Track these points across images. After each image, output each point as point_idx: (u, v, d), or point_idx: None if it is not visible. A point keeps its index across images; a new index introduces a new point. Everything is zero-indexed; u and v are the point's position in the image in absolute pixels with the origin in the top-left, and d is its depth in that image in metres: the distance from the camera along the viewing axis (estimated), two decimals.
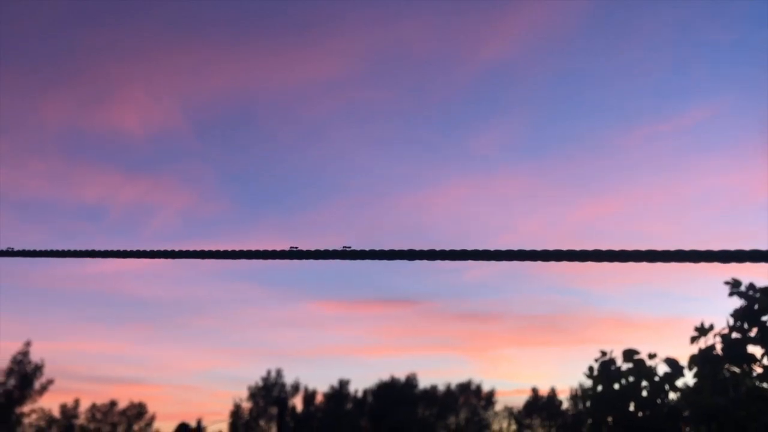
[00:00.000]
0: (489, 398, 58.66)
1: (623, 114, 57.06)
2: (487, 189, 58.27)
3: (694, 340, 6.59)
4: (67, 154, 55.93)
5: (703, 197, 55.47)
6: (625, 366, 7.13)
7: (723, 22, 50.43)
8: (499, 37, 51.16)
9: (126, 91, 51.28)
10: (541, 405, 58.38)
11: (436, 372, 72.97)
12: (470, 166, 59.38)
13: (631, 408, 6.97)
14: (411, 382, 57.59)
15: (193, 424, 52.13)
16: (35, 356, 37.87)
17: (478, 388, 58.67)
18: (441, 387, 58.20)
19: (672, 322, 59.26)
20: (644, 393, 6.96)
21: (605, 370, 7.07)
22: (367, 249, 1.48)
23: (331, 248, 1.59)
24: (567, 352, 70.04)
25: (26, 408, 37.92)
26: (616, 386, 7.10)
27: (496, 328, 67.51)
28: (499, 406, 58.95)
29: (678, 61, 53.90)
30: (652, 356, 6.94)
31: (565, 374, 71.33)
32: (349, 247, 1.42)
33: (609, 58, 55.26)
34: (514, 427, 58.67)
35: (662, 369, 6.93)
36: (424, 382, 60.06)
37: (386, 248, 1.58)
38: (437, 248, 1.65)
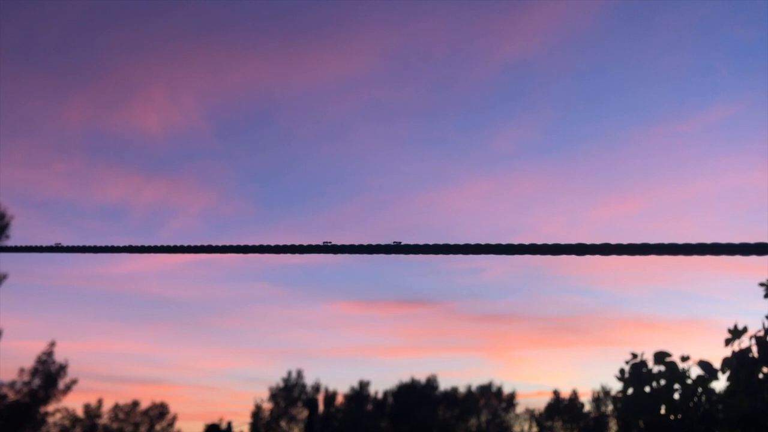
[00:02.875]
0: (510, 400, 58.31)
1: (644, 112, 56.35)
2: (507, 188, 57.91)
3: (728, 342, 6.44)
4: (87, 155, 56.44)
5: (725, 196, 54.61)
6: (656, 368, 7.00)
7: (745, 19, 49.61)
8: (519, 35, 50.81)
9: (146, 92, 51.65)
10: (562, 407, 57.91)
11: (457, 373, 72.69)
12: (490, 165, 59.02)
13: (663, 411, 6.84)
14: (431, 383, 57.42)
15: (214, 424, 52.36)
16: (59, 356, 38.23)
17: (499, 390, 58.36)
18: (462, 388, 58.01)
19: (694, 323, 58.51)
20: (676, 396, 6.82)
21: (636, 373, 6.94)
22: (413, 244, 1.41)
23: (375, 243, 1.52)
24: (588, 354, 69.44)
25: (51, 407, 38.28)
26: (647, 389, 6.97)
27: (516, 330, 67.09)
28: (520, 408, 58.60)
29: (700, 59, 53.13)
30: (684, 358, 6.80)
31: (586, 376, 70.67)
32: (400, 242, 1.36)
33: (630, 56, 54.66)
34: (535, 429, 58.27)
35: (695, 371, 6.79)
36: (444, 384, 59.82)
37: (431, 243, 1.51)
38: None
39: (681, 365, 6.85)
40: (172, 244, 1.79)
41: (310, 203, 62.53)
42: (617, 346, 60.64)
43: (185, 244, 1.78)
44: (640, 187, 55.69)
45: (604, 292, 65.60)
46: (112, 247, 1.80)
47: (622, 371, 7.06)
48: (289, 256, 1.75)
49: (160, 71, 51.81)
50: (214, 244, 1.81)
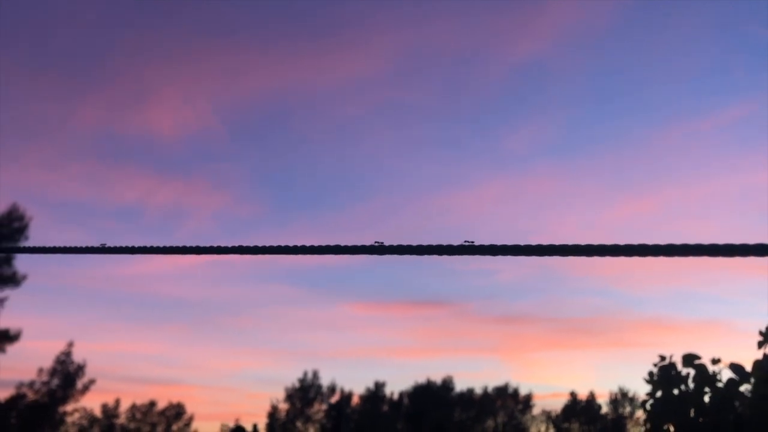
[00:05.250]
0: (526, 402, 58.01)
1: (660, 111, 55.94)
2: (520, 189, 57.70)
3: (761, 344, 6.29)
4: (102, 157, 56.91)
5: (742, 195, 53.99)
6: (685, 371, 6.85)
7: (762, 16, 49.05)
8: (532, 34, 50.62)
9: (160, 95, 52.01)
10: (579, 409, 57.51)
11: (473, 374, 72.53)
12: (503, 166, 58.85)
13: (692, 415, 6.69)
14: (447, 384, 57.24)
15: (230, 424, 52.52)
16: (77, 356, 38.54)
17: (516, 392, 58.06)
18: (478, 390, 57.77)
19: (713, 325, 57.99)
20: (706, 399, 6.67)
21: (665, 375, 6.80)
22: (492, 244, 1.33)
23: (439, 243, 1.44)
24: (605, 356, 68.94)
25: (69, 407, 38.64)
26: (675, 392, 6.82)
27: (531, 331, 66.79)
28: (536, 410, 58.28)
29: (716, 57, 52.68)
30: (715, 361, 6.65)
31: (603, 378, 70.15)
32: (472, 242, 1.27)
33: (644, 56, 54.30)
34: (552, 431, 57.91)
35: (725, 374, 6.64)
36: (460, 385, 59.66)
37: (508, 243, 1.42)
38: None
39: (711, 368, 6.71)
40: (214, 245, 1.73)
41: (323, 205, 62.67)
42: (634, 347, 60.18)
43: (225, 245, 1.72)
44: (656, 187, 55.26)
45: (621, 293, 65.18)
46: (138, 247, 1.74)
47: (651, 374, 6.93)
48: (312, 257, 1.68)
49: (173, 73, 52.19)
50: (253, 245, 1.74)
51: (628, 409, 56.60)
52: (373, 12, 49.82)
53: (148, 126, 53.23)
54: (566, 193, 58.73)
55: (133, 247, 1.59)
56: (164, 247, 1.72)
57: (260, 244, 1.59)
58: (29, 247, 1.79)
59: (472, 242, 1.26)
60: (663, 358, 7.01)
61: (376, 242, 1.43)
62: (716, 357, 6.66)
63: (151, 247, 1.71)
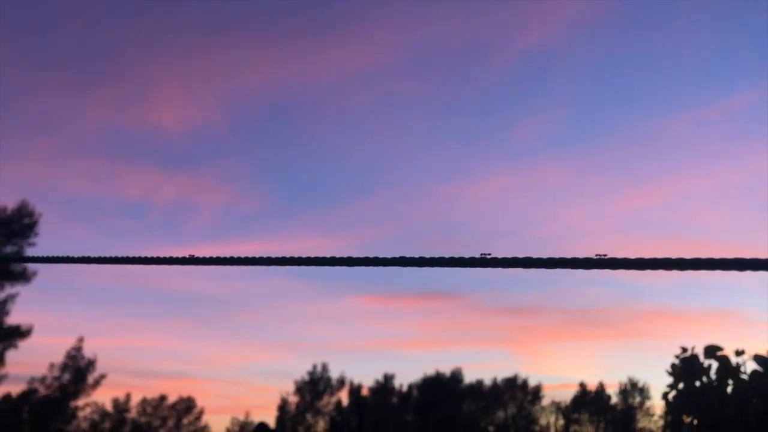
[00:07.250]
0: (536, 393, 57.93)
1: (667, 101, 55.51)
2: (527, 179, 57.47)
3: None
4: (107, 152, 56.91)
5: (751, 184, 53.57)
6: (707, 362, 6.77)
7: (767, 5, 48.57)
8: (536, 25, 50.30)
9: (164, 90, 51.94)
10: (589, 400, 57.43)
11: (482, 366, 72.41)
12: (511, 157, 58.60)
13: (715, 407, 6.62)
14: (456, 376, 57.24)
15: (241, 417, 52.65)
16: (88, 351, 38.69)
17: (525, 383, 57.99)
18: (487, 381, 57.74)
19: (724, 315, 57.72)
20: (729, 391, 6.59)
21: (687, 367, 6.72)
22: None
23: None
24: (614, 346, 68.75)
25: (80, 402, 38.83)
26: (697, 384, 6.75)
27: (540, 322, 66.64)
28: (546, 401, 58.21)
29: (723, 45, 52.23)
30: (739, 353, 6.56)
31: (612, 368, 70.02)
32: (605, 255, 1.19)
33: (651, 45, 53.88)
34: (561, 422, 57.88)
35: (749, 366, 6.55)
36: (469, 377, 59.62)
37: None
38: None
39: (734, 359, 6.62)
40: (241, 256, 1.66)
41: (328, 198, 62.60)
42: (644, 338, 60.10)
43: (266, 256, 1.65)
44: (664, 176, 54.99)
45: (630, 284, 64.80)
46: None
47: (673, 366, 6.85)
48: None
49: (177, 68, 52.14)
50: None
51: (637, 399, 56.52)
52: (377, 4, 49.61)
53: (153, 121, 53.25)
54: (573, 183, 58.50)
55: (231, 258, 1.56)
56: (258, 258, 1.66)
57: (344, 256, 1.53)
58: (110, 258, 1.73)
59: (605, 255, 1.18)
60: (684, 349, 6.93)
61: (482, 254, 1.35)
62: (740, 348, 6.58)
63: (241, 258, 1.66)
